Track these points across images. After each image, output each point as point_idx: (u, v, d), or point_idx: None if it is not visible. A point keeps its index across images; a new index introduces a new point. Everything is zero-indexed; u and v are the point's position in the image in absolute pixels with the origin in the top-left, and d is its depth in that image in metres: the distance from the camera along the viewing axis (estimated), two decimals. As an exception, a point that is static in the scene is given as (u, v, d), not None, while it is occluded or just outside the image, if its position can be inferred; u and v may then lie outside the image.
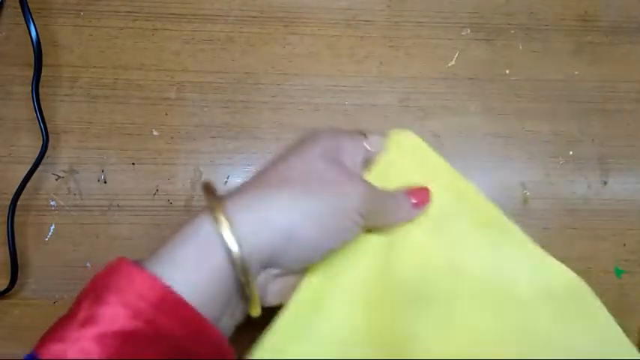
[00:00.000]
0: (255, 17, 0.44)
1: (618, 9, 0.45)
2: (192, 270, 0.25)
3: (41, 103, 0.41)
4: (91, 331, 0.23)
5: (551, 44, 0.45)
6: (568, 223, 0.43)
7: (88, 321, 0.24)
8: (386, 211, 0.32)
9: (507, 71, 0.45)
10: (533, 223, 0.43)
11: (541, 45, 0.45)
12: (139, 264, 0.26)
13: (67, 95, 0.43)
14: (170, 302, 0.24)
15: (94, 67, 0.43)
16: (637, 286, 0.43)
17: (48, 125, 0.41)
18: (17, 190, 0.40)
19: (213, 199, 0.27)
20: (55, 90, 0.43)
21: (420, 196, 0.33)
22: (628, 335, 0.43)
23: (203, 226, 0.26)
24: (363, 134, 0.34)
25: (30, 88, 0.41)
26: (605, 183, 0.44)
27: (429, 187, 0.34)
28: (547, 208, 0.44)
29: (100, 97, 0.43)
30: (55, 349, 0.23)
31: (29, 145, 0.42)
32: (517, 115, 0.44)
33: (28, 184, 0.41)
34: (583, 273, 0.43)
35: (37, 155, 0.41)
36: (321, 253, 0.29)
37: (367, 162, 0.34)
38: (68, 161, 0.43)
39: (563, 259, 0.43)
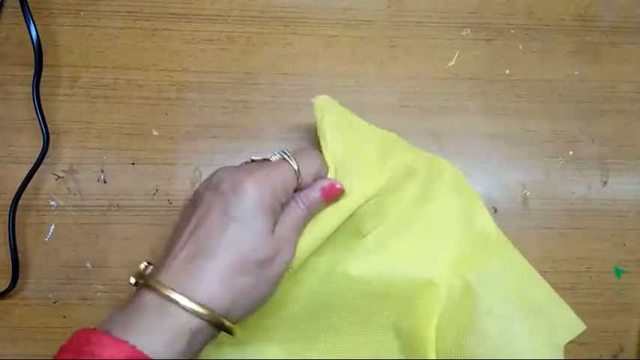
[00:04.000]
0: (255, 17, 0.44)
1: (618, 9, 0.45)
2: (155, 334, 0.28)
3: (41, 103, 0.41)
4: None
5: (551, 44, 0.45)
6: (568, 223, 0.43)
7: None
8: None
9: (507, 71, 0.45)
10: (533, 223, 0.43)
11: (541, 45, 0.45)
12: (102, 331, 0.28)
13: (67, 95, 0.43)
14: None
15: (94, 67, 0.43)
16: (637, 286, 0.43)
17: (48, 125, 0.41)
18: (18, 190, 0.41)
19: (154, 281, 0.29)
20: (55, 90, 0.43)
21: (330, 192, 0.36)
22: (628, 335, 0.43)
23: (153, 301, 0.29)
24: (289, 158, 0.34)
25: (30, 88, 0.41)
26: (605, 183, 0.44)
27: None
28: (547, 208, 0.44)
29: (100, 97, 0.43)
30: None
31: (29, 145, 0.42)
32: (517, 115, 0.44)
33: (28, 184, 0.41)
34: (583, 273, 0.44)
35: (37, 155, 0.41)
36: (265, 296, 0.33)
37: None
38: (68, 161, 0.43)
39: (563, 259, 0.44)
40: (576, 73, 0.45)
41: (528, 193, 0.44)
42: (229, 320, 0.30)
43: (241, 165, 0.35)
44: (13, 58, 0.43)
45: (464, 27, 0.45)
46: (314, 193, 0.35)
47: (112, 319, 0.28)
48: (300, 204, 0.35)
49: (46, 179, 0.43)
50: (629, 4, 0.45)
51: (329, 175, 0.36)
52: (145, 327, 0.28)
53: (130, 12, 0.44)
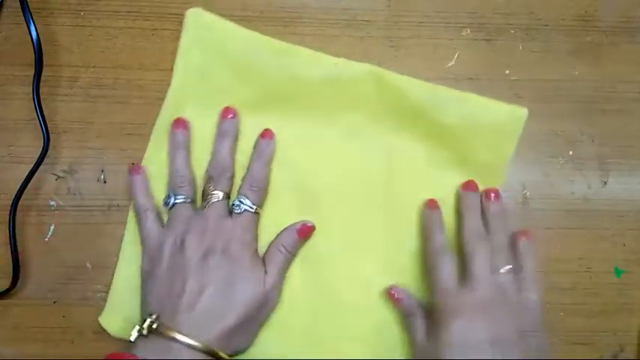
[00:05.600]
0: (255, 17, 0.44)
1: (618, 9, 0.45)
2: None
3: (41, 103, 0.41)
4: None
5: (551, 44, 0.45)
6: (568, 223, 0.43)
7: None
8: None
9: (507, 71, 0.45)
10: (533, 223, 0.43)
11: (541, 45, 0.45)
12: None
13: (67, 95, 0.43)
14: None
15: (94, 67, 0.43)
16: (637, 286, 0.43)
17: (48, 125, 0.41)
18: (18, 190, 0.41)
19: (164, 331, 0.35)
20: (55, 90, 0.43)
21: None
22: (628, 335, 0.43)
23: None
24: (247, 206, 0.40)
25: (30, 88, 0.41)
26: (605, 183, 0.44)
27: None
28: (547, 208, 0.44)
29: (100, 97, 0.43)
30: None
31: (29, 145, 0.42)
32: (517, 115, 0.44)
33: (28, 184, 0.41)
34: (583, 273, 0.43)
35: (37, 155, 0.41)
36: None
37: None
38: (68, 161, 0.43)
39: (563, 259, 0.43)
40: (576, 73, 0.45)
41: (528, 193, 0.44)
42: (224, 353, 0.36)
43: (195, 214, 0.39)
44: (13, 58, 0.43)
45: (464, 27, 0.45)
46: (292, 236, 0.40)
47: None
48: (282, 249, 0.39)
49: (46, 179, 0.43)
50: (629, 4, 0.45)
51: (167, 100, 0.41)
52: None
53: (129, 12, 0.44)
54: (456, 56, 0.45)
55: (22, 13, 0.41)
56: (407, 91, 0.42)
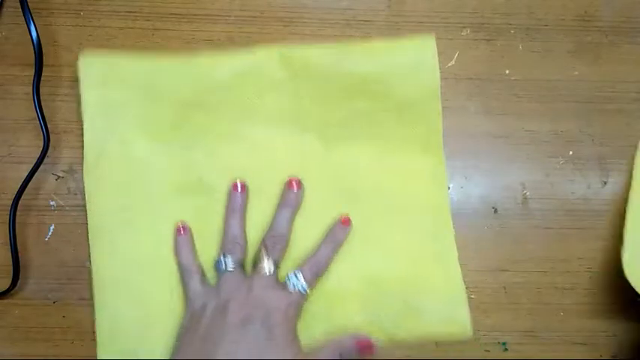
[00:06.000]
0: (255, 17, 0.44)
1: (618, 9, 0.45)
2: None
3: (41, 103, 0.41)
4: None
5: (551, 44, 0.45)
6: (568, 223, 0.43)
7: None
8: None
9: (507, 71, 0.45)
10: (533, 223, 0.43)
11: (541, 45, 0.45)
12: None
13: (67, 95, 0.43)
14: None
15: (94, 67, 0.43)
16: (637, 286, 0.43)
17: (48, 125, 0.41)
18: (19, 190, 0.41)
19: None
20: (55, 90, 0.43)
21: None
22: (627, 334, 0.43)
23: None
24: None
25: (30, 88, 0.41)
26: (605, 183, 0.44)
27: None
28: (547, 208, 0.44)
29: (100, 97, 0.43)
30: None
31: (29, 145, 0.42)
32: (517, 115, 0.44)
33: (28, 184, 0.41)
34: (583, 273, 0.43)
35: (37, 155, 0.41)
36: None
37: None
38: (68, 161, 0.43)
39: (563, 259, 0.43)
40: (576, 73, 0.45)
41: (528, 193, 0.44)
42: None
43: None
44: (13, 58, 0.43)
45: (464, 27, 0.45)
46: (352, 345, 0.38)
47: None
48: (337, 354, 0.38)
49: (46, 179, 0.43)
50: (629, 4, 0.45)
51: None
52: None
53: (129, 12, 0.44)
54: (455, 56, 0.45)
55: (22, 13, 0.41)
56: (313, 58, 0.42)
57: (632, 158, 0.44)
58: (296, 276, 0.39)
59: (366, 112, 0.42)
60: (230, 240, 0.40)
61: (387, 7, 0.44)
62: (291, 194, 0.41)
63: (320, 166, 0.42)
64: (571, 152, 0.44)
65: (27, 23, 0.41)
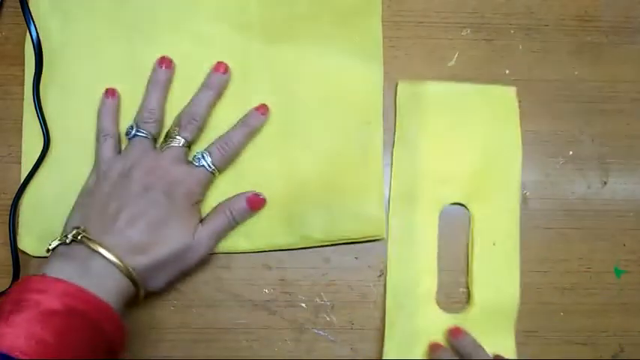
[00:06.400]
0: (255, 17, 0.44)
1: (618, 9, 0.45)
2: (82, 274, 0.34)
3: (41, 103, 0.41)
4: (22, 316, 0.31)
5: (551, 44, 0.45)
6: (568, 223, 0.43)
7: (14, 310, 0.31)
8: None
9: (507, 71, 0.45)
10: (533, 223, 0.43)
11: (541, 45, 0.45)
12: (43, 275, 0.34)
13: (67, 95, 0.43)
14: (74, 291, 0.33)
15: (94, 67, 0.43)
16: (637, 286, 0.43)
17: (48, 125, 0.41)
18: (19, 190, 0.41)
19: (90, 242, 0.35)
20: (55, 90, 0.43)
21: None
22: (628, 335, 0.43)
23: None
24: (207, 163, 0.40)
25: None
26: (605, 183, 0.44)
27: None
28: (547, 208, 0.44)
29: (100, 97, 0.43)
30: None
31: (29, 145, 0.42)
32: (517, 115, 0.44)
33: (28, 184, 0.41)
34: (583, 273, 0.43)
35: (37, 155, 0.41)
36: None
37: None
38: (68, 161, 0.43)
39: (563, 259, 0.43)
40: (576, 73, 0.45)
41: (528, 193, 0.44)
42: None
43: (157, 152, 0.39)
44: (13, 58, 0.43)
45: (464, 27, 0.45)
46: (241, 204, 0.40)
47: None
48: (228, 213, 0.39)
49: (46, 179, 0.43)
50: (629, 4, 0.45)
51: None
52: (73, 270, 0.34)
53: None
54: (455, 56, 0.45)
55: (22, 13, 0.41)
56: None
57: (632, 158, 0.44)
58: (202, 154, 0.39)
59: (306, 16, 0.43)
60: (145, 111, 0.40)
61: (387, 7, 0.44)
62: (216, 76, 0.41)
63: (259, 62, 0.43)
64: (571, 152, 0.44)
65: (27, 23, 0.41)
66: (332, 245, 0.42)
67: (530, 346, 0.42)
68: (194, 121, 0.40)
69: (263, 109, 0.42)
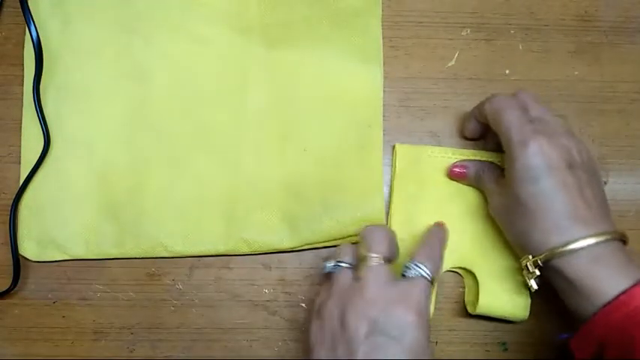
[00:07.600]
0: (255, 17, 0.44)
1: (618, 9, 0.45)
2: None
3: (41, 103, 0.41)
4: None
5: (551, 44, 0.45)
6: (568, 223, 0.43)
7: None
8: None
9: (507, 71, 0.45)
10: (533, 223, 0.43)
11: (541, 45, 0.45)
12: None
13: (67, 95, 0.43)
14: None
15: (94, 67, 0.43)
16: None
17: (48, 125, 0.41)
18: (19, 190, 0.41)
19: None
20: (55, 90, 0.43)
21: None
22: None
23: None
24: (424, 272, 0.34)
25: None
26: (605, 183, 0.44)
27: None
28: (547, 208, 0.43)
29: (100, 97, 0.43)
30: None
31: (29, 145, 0.42)
32: (517, 115, 0.44)
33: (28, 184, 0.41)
34: (583, 273, 0.43)
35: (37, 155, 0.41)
36: None
37: None
38: (68, 161, 0.43)
39: (563, 259, 0.43)
40: (576, 73, 0.45)
41: (528, 193, 0.44)
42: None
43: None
44: (13, 58, 0.43)
45: (464, 27, 0.45)
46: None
47: None
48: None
49: (46, 179, 0.43)
50: (629, 4, 0.45)
51: None
52: None
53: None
54: (455, 56, 0.45)
55: (22, 13, 0.41)
56: None
57: (632, 158, 0.44)
58: (416, 264, 0.34)
59: (306, 17, 0.43)
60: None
61: (387, 7, 0.44)
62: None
63: (259, 64, 0.43)
64: (571, 152, 0.44)
65: (27, 23, 0.41)
66: (332, 245, 0.42)
67: (530, 346, 0.42)
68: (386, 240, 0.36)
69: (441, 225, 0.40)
